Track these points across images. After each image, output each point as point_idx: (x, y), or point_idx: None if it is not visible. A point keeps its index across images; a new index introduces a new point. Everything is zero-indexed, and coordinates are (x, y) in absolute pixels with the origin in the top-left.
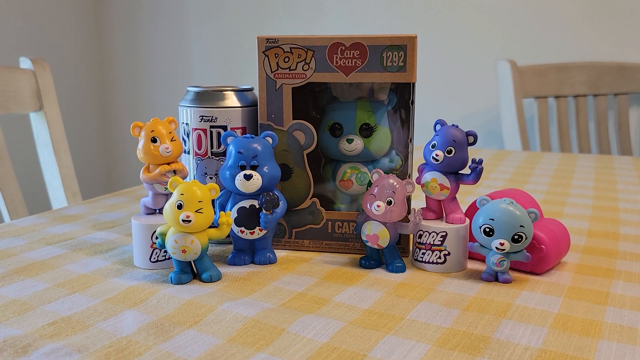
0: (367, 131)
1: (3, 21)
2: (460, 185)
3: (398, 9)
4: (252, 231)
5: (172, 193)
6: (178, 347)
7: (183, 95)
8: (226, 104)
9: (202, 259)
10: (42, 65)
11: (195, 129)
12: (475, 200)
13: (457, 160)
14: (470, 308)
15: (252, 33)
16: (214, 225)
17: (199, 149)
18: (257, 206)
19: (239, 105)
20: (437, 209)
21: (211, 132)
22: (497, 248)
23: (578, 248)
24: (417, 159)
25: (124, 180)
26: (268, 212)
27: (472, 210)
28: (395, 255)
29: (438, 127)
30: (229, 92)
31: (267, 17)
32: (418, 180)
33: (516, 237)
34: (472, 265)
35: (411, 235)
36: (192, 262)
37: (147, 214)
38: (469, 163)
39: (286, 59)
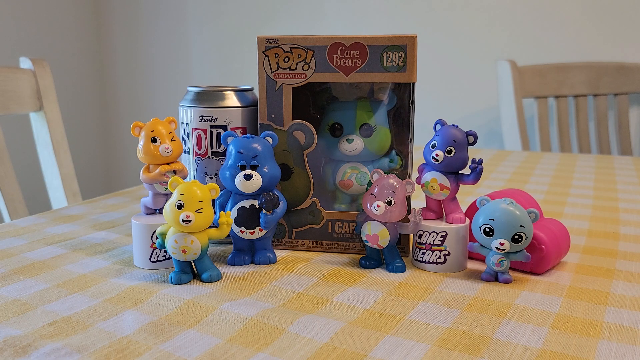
0: (367, 131)
1: (3, 21)
2: (460, 185)
3: (398, 9)
4: (252, 231)
5: (172, 193)
6: (178, 347)
7: (183, 95)
8: (226, 104)
9: (202, 259)
10: (42, 65)
11: (195, 129)
12: (475, 200)
13: (457, 160)
14: (470, 308)
15: (252, 33)
16: (214, 225)
17: (199, 149)
18: (257, 206)
19: (239, 105)
20: (437, 209)
21: (211, 132)
22: (497, 248)
23: (578, 248)
24: (417, 159)
25: (124, 180)
26: (268, 212)
27: (472, 210)
28: (395, 255)
29: (438, 127)
30: (229, 92)
31: (267, 17)
32: (418, 180)
33: (516, 237)
34: (472, 265)
35: (411, 235)
36: (192, 262)
37: (147, 214)
38: (469, 163)
39: (286, 59)
